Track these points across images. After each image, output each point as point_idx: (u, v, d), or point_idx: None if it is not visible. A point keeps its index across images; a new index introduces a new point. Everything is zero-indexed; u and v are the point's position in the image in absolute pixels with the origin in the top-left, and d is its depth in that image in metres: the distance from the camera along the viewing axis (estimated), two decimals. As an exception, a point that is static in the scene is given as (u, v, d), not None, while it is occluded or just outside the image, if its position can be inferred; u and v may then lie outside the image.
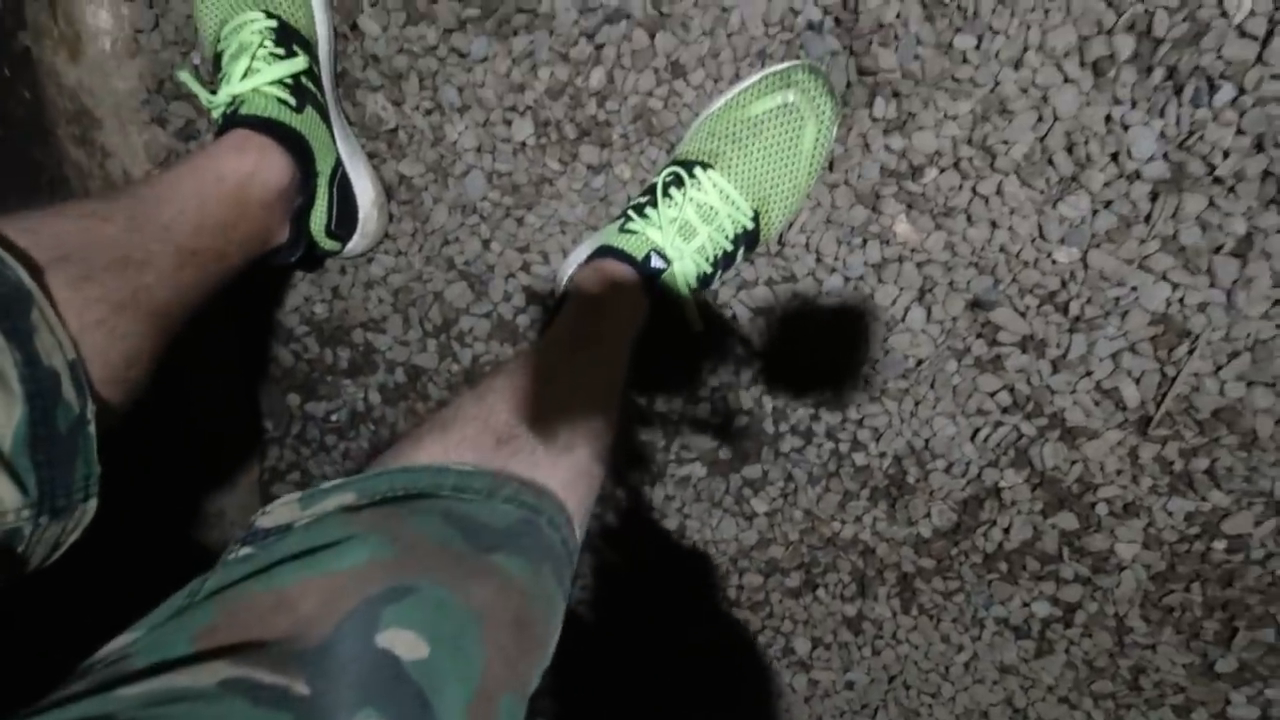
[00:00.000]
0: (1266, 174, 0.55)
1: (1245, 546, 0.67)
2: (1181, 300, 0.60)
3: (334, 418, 0.82)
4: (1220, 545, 0.67)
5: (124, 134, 0.68)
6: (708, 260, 0.58)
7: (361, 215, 0.67)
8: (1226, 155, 0.55)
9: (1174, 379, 0.62)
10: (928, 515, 0.72)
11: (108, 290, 0.42)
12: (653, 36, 0.60)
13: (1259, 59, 0.52)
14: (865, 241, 0.63)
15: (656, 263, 0.56)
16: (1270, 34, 0.51)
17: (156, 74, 0.67)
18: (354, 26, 0.64)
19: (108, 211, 0.45)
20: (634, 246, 0.56)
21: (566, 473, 0.43)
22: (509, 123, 0.65)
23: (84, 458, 0.38)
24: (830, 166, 0.61)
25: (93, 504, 0.40)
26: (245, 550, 0.35)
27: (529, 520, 0.39)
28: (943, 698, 0.79)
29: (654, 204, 0.57)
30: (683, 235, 0.56)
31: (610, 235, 0.58)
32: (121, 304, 0.42)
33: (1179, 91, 0.54)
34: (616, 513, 0.79)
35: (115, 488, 0.42)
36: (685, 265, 0.56)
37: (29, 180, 0.73)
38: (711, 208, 0.56)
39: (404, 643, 0.29)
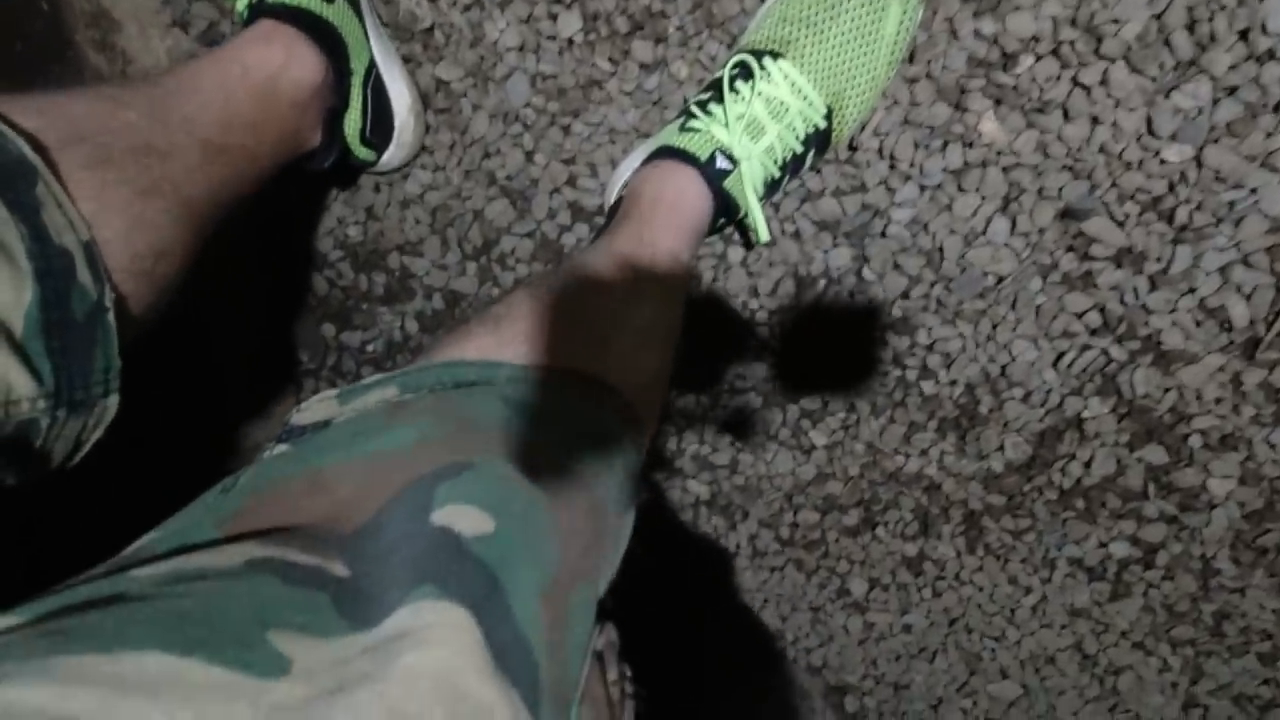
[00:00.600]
0: None
1: (1355, 482, 0.61)
2: (1308, 204, 0.53)
3: (370, 348, 0.79)
4: (1327, 480, 0.61)
5: (145, 37, 0.64)
6: (776, 163, 0.52)
7: (398, 123, 0.62)
8: (1378, 29, 0.48)
9: (1291, 295, 0.56)
10: (1000, 448, 0.67)
11: (129, 174, 0.38)
12: (715, -90, 0.54)
13: None
14: (946, 144, 0.57)
15: (722, 164, 0.51)
16: None
17: (178, -30, 0.63)
18: (386, -89, 0.59)
19: (127, 97, 0.41)
20: (697, 146, 0.51)
21: (633, 377, 0.40)
22: (554, 17, 0.59)
23: (103, 349, 0.35)
24: (911, 57, 0.55)
25: (114, 400, 0.36)
26: (281, 448, 0.32)
27: (595, 419, 0.36)
28: (1007, 642, 0.76)
29: (719, 99, 0.51)
30: (750, 134, 0.51)
31: (670, 135, 0.53)
32: (146, 190, 0.39)
33: (1328, -47, 0.47)
34: (663, 447, 0.75)
35: (145, 415, 0.39)
36: (753, 167, 0.51)
37: (50, 95, 0.69)
38: (782, 103, 0.51)
39: (465, 518, 0.25)
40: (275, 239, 0.74)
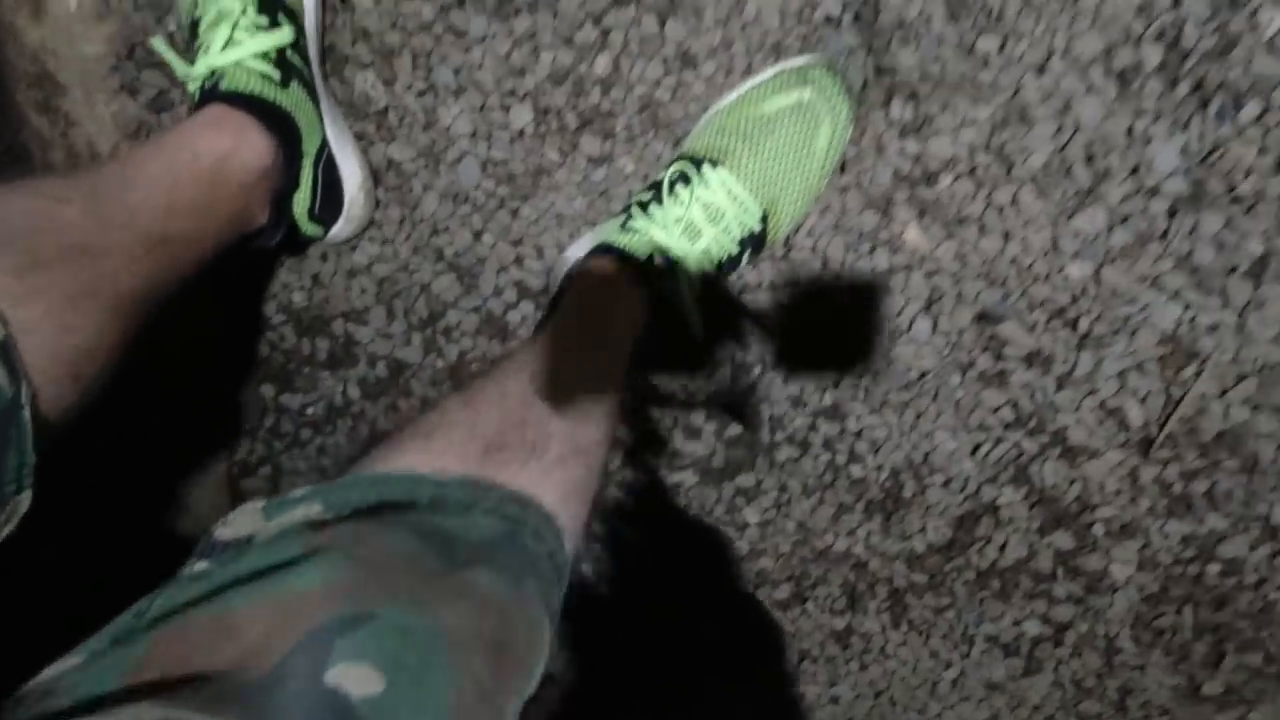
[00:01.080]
0: (1286, 196, 0.54)
1: (1239, 570, 0.66)
2: (1192, 320, 0.58)
3: (310, 411, 0.78)
4: (1214, 569, 0.66)
5: (90, 102, 0.63)
6: (712, 263, 0.55)
7: (347, 199, 0.63)
8: (1248, 174, 0.54)
9: (1180, 400, 0.61)
10: (922, 530, 0.70)
11: (60, 279, 0.38)
12: (663, 23, 0.57)
13: (1287, 77, 0.51)
14: (874, 248, 0.61)
15: (660, 263, 0.53)
16: (1301, 52, 0.50)
17: (128, 39, 0.62)
18: (344, -2, 0.60)
19: (66, 192, 0.41)
20: (637, 246, 0.53)
21: (559, 486, 0.41)
22: (507, 108, 0.61)
23: (17, 446, 0.35)
24: (842, 168, 0.59)
25: (26, 496, 0.36)
26: (200, 565, 0.32)
27: (511, 533, 0.37)
28: (929, 714, 0.78)
29: (659, 201, 0.54)
30: (688, 236, 0.53)
31: (611, 232, 0.55)
32: (75, 295, 0.38)
33: (1204, 106, 0.52)
34: (602, 518, 0.76)
35: (74, 474, 0.39)
36: (690, 267, 0.54)
37: (-16, 148, 0.68)
38: (719, 208, 0.54)
39: (356, 678, 0.26)
40: (218, 300, 0.73)
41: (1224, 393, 0.60)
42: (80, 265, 0.39)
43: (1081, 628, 0.71)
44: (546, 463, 0.41)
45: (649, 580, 0.77)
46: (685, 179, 0.54)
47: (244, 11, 0.53)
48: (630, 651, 0.81)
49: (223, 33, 0.53)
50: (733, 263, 0.57)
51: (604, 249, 0.54)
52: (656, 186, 0.55)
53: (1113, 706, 0.74)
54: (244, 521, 0.34)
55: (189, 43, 0.56)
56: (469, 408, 0.41)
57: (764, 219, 0.56)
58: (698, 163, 0.54)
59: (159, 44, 0.54)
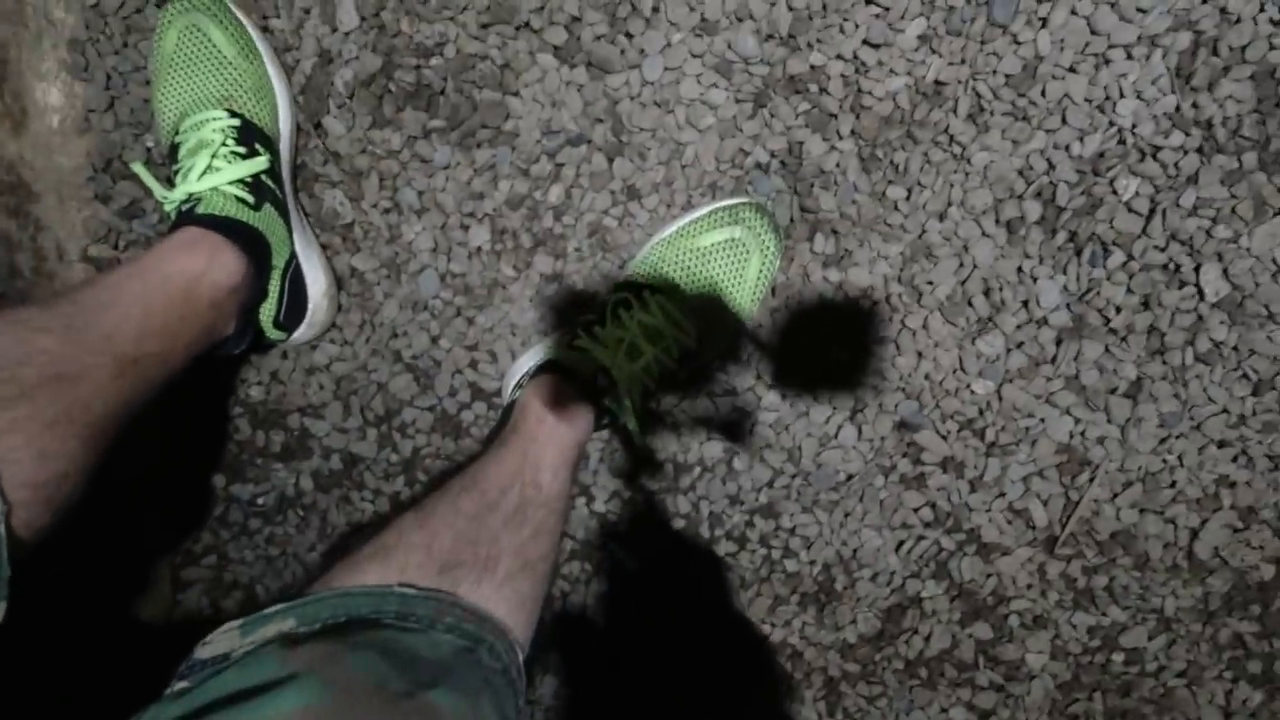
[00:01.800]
0: (1152, 329, 0.62)
1: (1140, 659, 0.72)
2: (1083, 433, 0.65)
3: (260, 501, 0.79)
4: (1119, 657, 0.72)
5: (63, 210, 0.66)
6: (652, 378, 0.60)
7: (311, 305, 0.66)
8: (1119, 310, 0.61)
9: (1077, 503, 0.67)
10: (854, 621, 0.74)
11: (38, 407, 0.40)
12: (611, 161, 0.63)
13: (1143, 231, 0.59)
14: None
15: (602, 381, 0.57)
16: (1152, 212, 0.58)
17: (105, 153, 0.66)
18: (318, 125, 0.65)
19: (44, 321, 0.44)
20: (581, 366, 0.57)
21: (510, 601, 0.44)
22: (466, 228, 0.66)
23: None
24: (773, 292, 0.65)
25: (1, 608, 0.37)
26: (181, 685, 0.35)
27: (469, 650, 0.40)
28: (864, 803, 0.80)
29: (602, 324, 0.59)
30: (629, 355, 0.58)
31: (559, 350, 0.59)
32: (54, 420, 0.41)
33: (1079, 253, 0.60)
34: (550, 612, 0.78)
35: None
36: (631, 382, 0.58)
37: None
38: (658, 330, 0.59)
39: None
40: (173, 392, 0.75)
41: (1114, 496, 0.67)
42: (58, 393, 0.41)
43: (1004, 714, 0.75)
44: (498, 579, 0.44)
45: (634, 619, 0.78)
46: (627, 304, 0.59)
47: (223, 142, 0.57)
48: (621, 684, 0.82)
49: (202, 161, 0.56)
50: (672, 374, 0.61)
51: (551, 365, 0.58)
52: (601, 310, 0.60)
53: (1035, 792, 0.78)
54: (222, 641, 0.37)
55: (167, 161, 0.60)
56: (423, 529, 0.44)
57: (700, 339, 0.61)
58: (638, 290, 0.59)
59: (140, 168, 0.58)
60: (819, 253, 0.63)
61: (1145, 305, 0.61)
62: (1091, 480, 0.66)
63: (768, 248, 0.60)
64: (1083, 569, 0.69)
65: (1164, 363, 0.62)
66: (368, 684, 0.34)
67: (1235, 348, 0.61)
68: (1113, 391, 0.64)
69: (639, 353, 0.58)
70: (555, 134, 0.63)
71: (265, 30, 0.62)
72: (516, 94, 0.62)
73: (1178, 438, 0.64)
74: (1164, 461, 0.65)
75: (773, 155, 0.62)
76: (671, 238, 0.61)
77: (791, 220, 0.63)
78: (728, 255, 0.59)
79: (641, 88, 0.61)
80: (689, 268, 0.60)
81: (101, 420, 0.44)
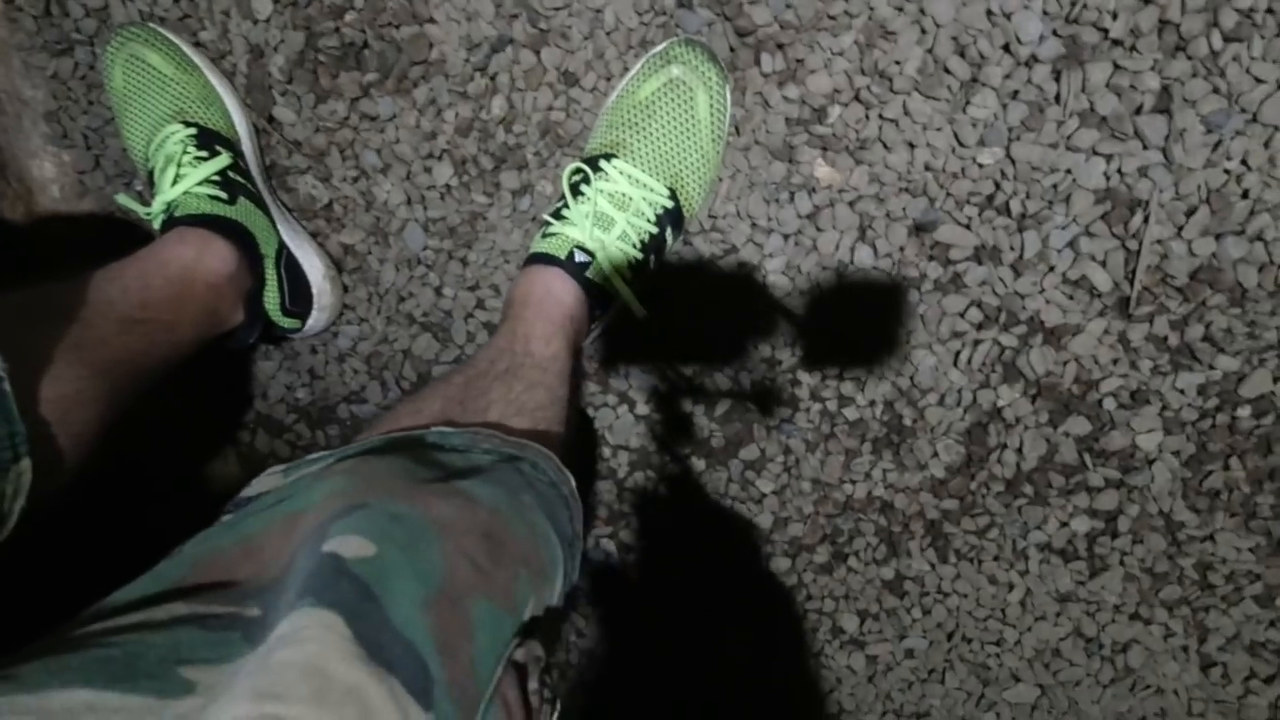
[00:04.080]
0: (1162, 23, 0.54)
1: (1272, 406, 0.63)
2: (1119, 170, 0.58)
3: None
4: (1245, 411, 0.63)
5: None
6: (634, 246, 0.58)
7: (315, 290, 0.69)
8: (1115, 16, 0.54)
9: (1138, 251, 0.60)
10: (935, 454, 0.69)
11: (45, 335, 0.43)
12: (538, 54, 0.62)
13: (1114, -84, 0.52)
14: (792, 195, 0.63)
15: (581, 258, 0.56)
16: (1116, -111, 0.51)
17: (105, 209, 0.71)
18: (271, 119, 0.68)
19: (54, 288, 0.48)
20: (556, 247, 0.57)
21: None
22: (429, 170, 0.67)
23: (3, 416, 0.37)
24: (736, 131, 0.62)
25: (25, 464, 0.38)
26: (227, 517, 0.37)
27: (509, 459, 0.40)
28: (1008, 644, 0.75)
29: (567, 205, 0.58)
30: (600, 226, 0.57)
31: (536, 244, 0.59)
32: (62, 350, 0.44)
33: (1047, -32, 0.54)
34: (629, 529, 0.77)
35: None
36: (611, 254, 0.57)
37: None
38: (624, 194, 0.57)
39: (349, 545, 0.29)
40: (239, 412, 0.80)
41: (1179, 230, 0.59)
42: (64, 328, 0.45)
43: (1132, 511, 0.68)
44: (491, 421, 0.45)
45: (673, 575, 0.77)
46: (586, 178, 0.58)
47: (185, 150, 0.61)
48: (654, 676, 0.80)
49: (170, 171, 0.60)
50: (657, 241, 0.60)
51: (531, 259, 0.58)
52: (564, 194, 0.59)
53: (1197, 586, 0.70)
54: (266, 481, 0.39)
55: (152, 192, 0.64)
56: (411, 401, 0.47)
57: (673, 194, 0.59)
58: (594, 161, 0.58)
59: (122, 198, 0.62)
60: (770, 73, 0.60)
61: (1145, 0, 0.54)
62: (1146, 220, 0.59)
63: (710, 80, 0.57)
64: (1170, 323, 0.62)
65: (1188, 57, 0.55)
66: (393, 473, 0.35)
67: (1270, 9, 0.53)
68: (1138, 111, 0.56)
69: (610, 221, 0.57)
70: (478, 46, 0.63)
71: (197, 44, 0.66)
72: (431, 20, 0.63)
73: (1233, 137, 0.56)
74: (1225, 171, 0.57)
75: (690, -13, 0.59)
76: (614, 104, 0.59)
77: (731, 49, 0.60)
78: (672, 98, 0.57)
79: (545, -30, 0.60)
80: (638, 124, 0.58)
81: (110, 363, 0.47)
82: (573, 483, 0.43)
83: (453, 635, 0.29)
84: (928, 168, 0.61)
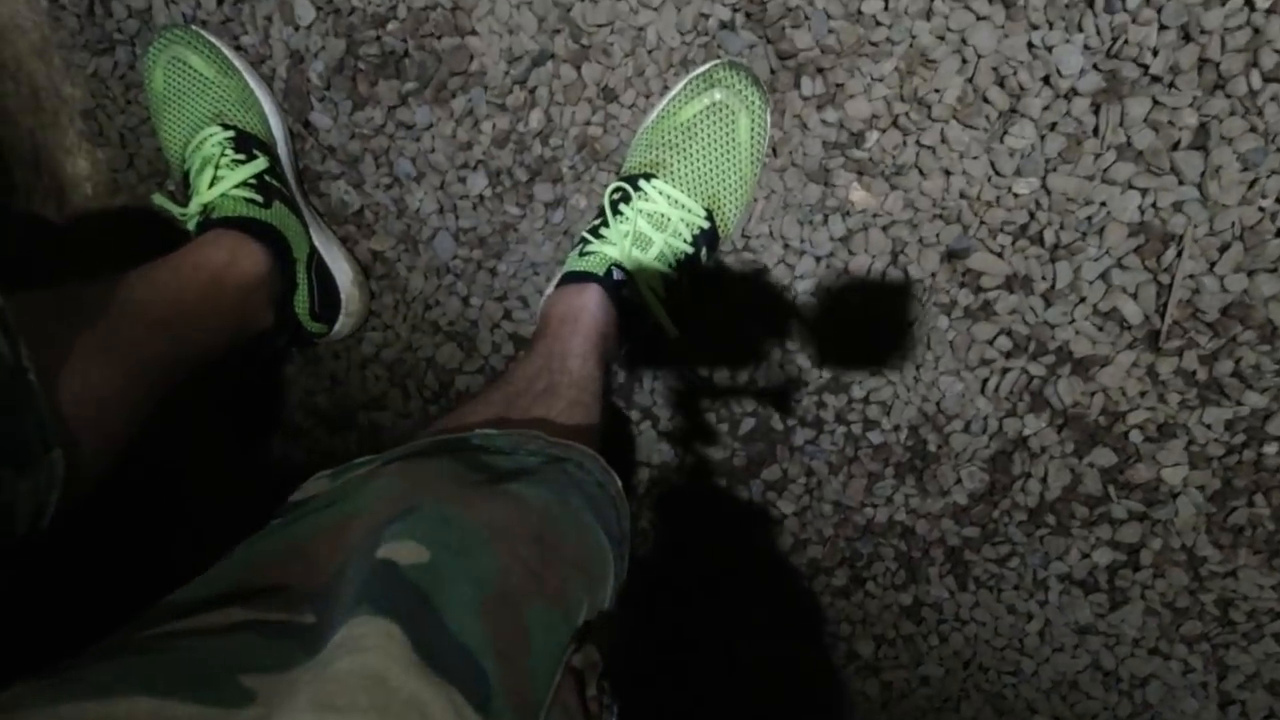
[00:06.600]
0: (1202, 61, 0.55)
1: (1299, 445, 0.63)
2: (1154, 204, 0.59)
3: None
4: (1271, 449, 0.63)
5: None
6: (669, 265, 0.58)
7: (343, 295, 0.69)
8: (1155, 52, 0.55)
9: (1170, 285, 0.60)
10: (959, 481, 0.69)
11: (77, 335, 0.43)
12: (579, 69, 0.63)
13: (1159, -45, 0.53)
14: (826, 217, 0.64)
15: (618, 276, 0.56)
16: (1162, -71, 0.52)
17: (137, 207, 0.71)
18: (307, 124, 0.68)
19: (87, 287, 0.47)
20: (593, 265, 0.57)
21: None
22: (463, 180, 0.67)
23: (30, 406, 0.37)
24: (774, 152, 0.62)
25: (58, 454, 0.38)
26: (276, 521, 0.37)
27: (555, 460, 0.40)
28: (1024, 674, 0.74)
29: (606, 223, 0.58)
30: (638, 246, 0.57)
31: (572, 262, 0.59)
32: (94, 351, 0.43)
33: (1090, 3, 0.54)
34: (646, 545, 0.77)
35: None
36: (647, 273, 0.57)
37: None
38: (662, 215, 0.58)
39: (403, 551, 0.29)
40: (250, 420, 0.80)
41: (1212, 266, 0.59)
42: (96, 328, 0.44)
43: (1154, 545, 0.68)
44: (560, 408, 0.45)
45: (673, 614, 0.77)
46: (625, 197, 0.58)
47: (223, 152, 0.61)
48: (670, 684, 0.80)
49: (208, 174, 0.60)
50: (691, 261, 0.60)
51: (567, 277, 0.58)
52: (602, 211, 0.59)
53: (1217, 623, 0.69)
54: (313, 485, 0.39)
55: (185, 193, 0.64)
56: (451, 418, 0.46)
57: (710, 215, 0.59)
58: (634, 180, 0.58)
59: (159, 198, 0.62)
60: (810, 96, 0.60)
61: (1186, 37, 0.54)
62: (1180, 255, 0.59)
63: (752, 103, 0.57)
64: (1199, 358, 0.62)
65: (1227, 96, 0.55)
66: (442, 475, 0.35)
67: (1307, 53, 0.53)
68: (1175, 147, 0.57)
69: (648, 242, 0.57)
70: (519, 59, 0.63)
71: (238, 49, 0.66)
72: (473, 32, 0.63)
73: (1269, 176, 0.56)
74: (1260, 209, 0.57)
75: (734, 9, 0.60)
76: (654, 123, 0.60)
77: (772, 71, 0.61)
78: (714, 121, 0.57)
79: (589, -13, 0.61)
80: (678, 145, 0.58)
81: (142, 365, 0.47)
82: (619, 483, 0.43)
83: (509, 642, 0.28)
84: (963, 195, 0.61)
